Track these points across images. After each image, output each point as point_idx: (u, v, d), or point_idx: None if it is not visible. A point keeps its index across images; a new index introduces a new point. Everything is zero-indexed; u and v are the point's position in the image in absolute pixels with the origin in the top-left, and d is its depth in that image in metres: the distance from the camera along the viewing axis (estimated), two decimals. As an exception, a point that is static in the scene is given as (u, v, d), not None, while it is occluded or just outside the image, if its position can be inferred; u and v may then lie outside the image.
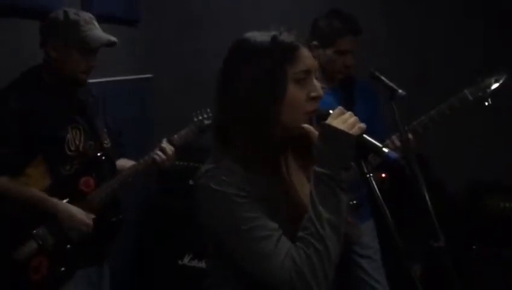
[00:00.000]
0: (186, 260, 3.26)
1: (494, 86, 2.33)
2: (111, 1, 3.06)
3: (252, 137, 1.26)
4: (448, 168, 3.19)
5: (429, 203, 1.91)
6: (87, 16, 2.12)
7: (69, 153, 2.12)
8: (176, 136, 2.38)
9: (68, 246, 2.14)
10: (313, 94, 1.28)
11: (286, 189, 1.32)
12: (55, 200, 2.10)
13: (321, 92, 1.29)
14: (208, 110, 2.42)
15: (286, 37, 1.29)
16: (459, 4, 3.30)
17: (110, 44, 2.13)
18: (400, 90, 2.11)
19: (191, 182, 3.23)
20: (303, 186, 1.36)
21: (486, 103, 2.33)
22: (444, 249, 1.82)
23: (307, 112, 1.28)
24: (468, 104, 2.33)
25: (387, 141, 2.31)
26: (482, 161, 3.16)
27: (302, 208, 1.26)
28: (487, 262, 2.85)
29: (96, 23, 2.14)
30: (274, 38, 1.28)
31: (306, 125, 1.28)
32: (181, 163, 3.21)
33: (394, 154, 1.18)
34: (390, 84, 2.14)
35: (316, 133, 1.26)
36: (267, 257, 1.19)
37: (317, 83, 1.29)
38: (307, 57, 1.29)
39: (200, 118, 2.42)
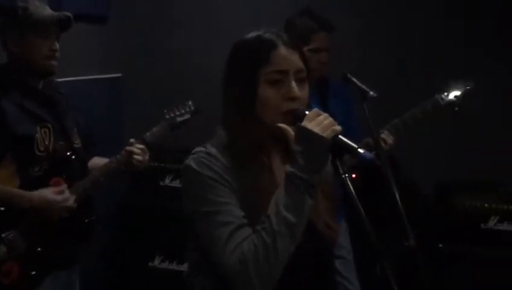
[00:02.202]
0: (156, 262, 3.23)
1: (463, 92, 2.43)
2: (81, -1, 3.02)
3: (233, 131, 1.32)
4: (415, 168, 3.25)
5: (399, 203, 1.94)
6: (37, 2, 2.12)
7: (38, 153, 2.08)
8: (148, 133, 2.36)
9: (39, 249, 2.10)
10: (288, 95, 1.30)
11: (267, 186, 1.33)
12: (28, 192, 2.06)
13: (297, 93, 1.30)
14: (180, 106, 2.42)
15: (267, 36, 1.33)
16: (439, 5, 3.35)
17: (65, 19, 2.11)
18: (371, 92, 2.14)
19: (161, 183, 3.25)
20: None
21: (457, 108, 2.41)
22: (414, 248, 1.86)
23: (282, 112, 1.30)
24: (440, 109, 2.40)
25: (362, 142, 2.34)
26: (448, 161, 3.24)
27: None
28: (454, 260, 2.90)
29: (48, 8, 2.13)
30: (257, 37, 1.33)
31: (282, 125, 1.29)
32: (152, 164, 3.17)
33: (369, 155, 1.20)
34: (362, 86, 2.18)
35: (293, 133, 1.27)
36: (220, 242, 1.22)
37: (294, 85, 1.30)
38: (283, 58, 1.30)
39: (172, 115, 2.41)
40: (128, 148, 2.26)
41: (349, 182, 1.22)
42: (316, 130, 1.22)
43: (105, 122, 3.24)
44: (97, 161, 2.35)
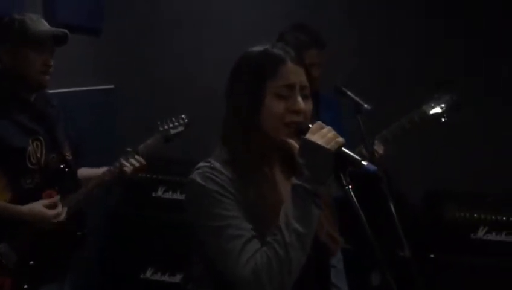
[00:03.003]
0: (148, 274, 3.22)
1: (449, 103, 2.47)
2: (74, 10, 3.03)
3: (236, 142, 1.34)
4: (404, 178, 3.27)
5: (395, 214, 1.96)
6: (34, 16, 2.11)
7: (30, 166, 2.06)
8: (141, 145, 2.36)
9: (31, 262, 2.08)
10: (293, 108, 1.32)
11: (270, 197, 1.35)
12: (17, 206, 2.04)
13: (302, 106, 1.33)
14: (173, 118, 2.42)
15: (275, 51, 1.35)
16: (437, 22, 3.40)
17: (61, 36, 2.11)
18: (366, 105, 2.17)
19: (154, 195, 3.24)
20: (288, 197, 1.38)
21: (443, 119, 2.45)
22: (410, 259, 1.88)
23: (286, 123, 1.32)
24: (427, 119, 2.43)
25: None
26: (437, 171, 3.28)
27: None
28: (444, 269, 2.94)
29: (44, 22, 2.13)
30: (264, 51, 1.36)
31: (289, 140, 1.31)
32: (145, 175, 3.17)
33: (373, 167, 1.23)
34: (356, 98, 2.20)
35: (297, 146, 1.30)
36: (233, 255, 1.23)
37: (299, 99, 1.33)
38: (291, 72, 1.34)
39: (166, 127, 2.41)
40: (132, 160, 2.26)
41: (352, 194, 1.24)
42: (320, 142, 1.25)
43: (98, 133, 3.24)
44: (84, 172, 2.34)
